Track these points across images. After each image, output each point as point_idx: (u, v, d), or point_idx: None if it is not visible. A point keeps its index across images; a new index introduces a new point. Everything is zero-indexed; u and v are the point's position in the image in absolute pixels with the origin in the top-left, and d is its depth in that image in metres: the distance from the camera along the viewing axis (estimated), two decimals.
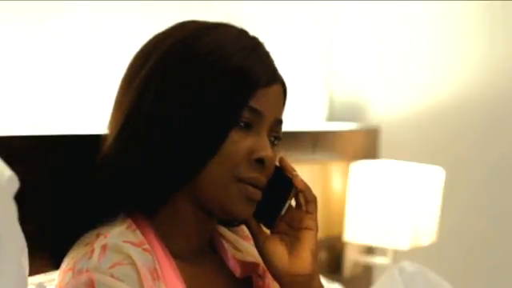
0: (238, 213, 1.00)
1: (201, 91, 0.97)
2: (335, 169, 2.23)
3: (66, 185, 1.08)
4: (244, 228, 1.11)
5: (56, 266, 1.01)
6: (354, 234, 2.22)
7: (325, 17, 2.43)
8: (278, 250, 1.03)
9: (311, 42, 2.37)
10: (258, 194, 1.00)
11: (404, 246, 2.14)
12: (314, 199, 1.05)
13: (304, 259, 1.01)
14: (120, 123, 0.99)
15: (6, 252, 0.79)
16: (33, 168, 1.04)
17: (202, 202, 1.00)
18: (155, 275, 0.94)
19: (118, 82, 1.04)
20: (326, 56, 2.45)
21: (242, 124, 0.98)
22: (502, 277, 2.31)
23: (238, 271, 1.09)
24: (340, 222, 2.25)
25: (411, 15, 2.42)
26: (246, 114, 0.98)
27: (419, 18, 2.41)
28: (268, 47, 1.04)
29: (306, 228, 1.03)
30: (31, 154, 1.05)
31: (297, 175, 1.04)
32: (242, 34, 1.03)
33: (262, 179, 1.00)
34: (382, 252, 2.33)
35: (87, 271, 0.91)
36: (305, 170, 1.29)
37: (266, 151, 0.99)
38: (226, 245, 1.11)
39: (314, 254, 1.02)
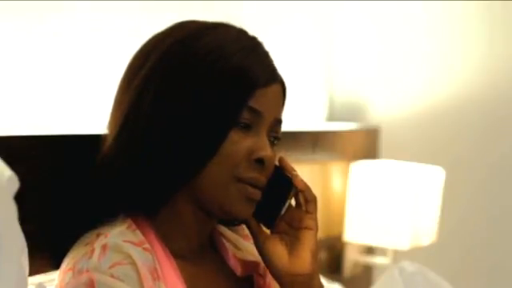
0: (237, 213, 1.00)
1: (200, 91, 0.97)
2: (335, 169, 2.23)
3: (65, 185, 1.08)
4: (244, 227, 1.11)
5: (56, 266, 1.01)
6: (354, 234, 2.22)
7: (325, 17, 2.43)
8: (278, 250, 1.03)
9: (311, 41, 2.37)
10: (257, 194, 1.00)
11: (404, 245, 2.14)
12: (314, 199, 1.05)
13: (304, 259, 1.01)
14: (119, 123, 0.99)
15: (6, 252, 0.79)
16: (33, 168, 1.04)
17: (202, 202, 1.00)
18: (155, 275, 0.94)
19: (117, 82, 1.04)
20: (326, 56, 2.45)
21: (242, 124, 0.98)
22: (502, 277, 2.31)
23: (238, 270, 1.09)
24: (340, 222, 2.25)
25: (411, 15, 2.42)
26: (246, 114, 0.98)
27: (419, 18, 2.41)
28: (268, 47, 1.04)
29: (305, 228, 1.03)
30: (31, 154, 1.05)
31: (296, 175, 1.04)
32: (241, 33, 1.02)
33: (262, 179, 1.00)
34: (382, 252, 2.33)
35: (87, 271, 0.91)
36: (305, 170, 1.29)
37: (266, 151, 0.99)
38: (227, 244, 1.11)
39: (314, 254, 1.02)
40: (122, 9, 1.53)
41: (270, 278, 1.09)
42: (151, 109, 0.97)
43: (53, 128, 1.34)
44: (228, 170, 0.97)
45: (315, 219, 1.04)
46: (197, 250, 1.04)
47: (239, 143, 0.98)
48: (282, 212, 1.04)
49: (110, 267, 0.91)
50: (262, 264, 1.08)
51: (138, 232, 0.97)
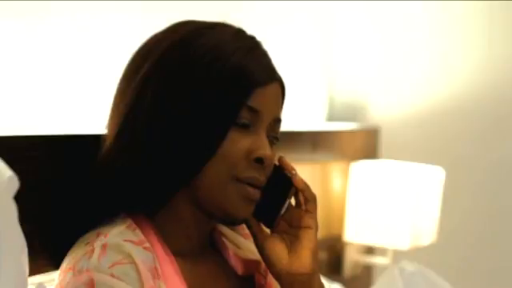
0: (236, 213, 1.00)
1: (199, 91, 0.96)
2: (335, 169, 2.23)
3: (65, 185, 1.08)
4: (244, 226, 1.12)
5: (56, 266, 1.01)
6: (354, 234, 2.22)
7: (325, 17, 2.43)
8: (278, 249, 1.03)
9: (311, 41, 2.37)
10: (256, 194, 1.00)
11: (404, 245, 2.14)
12: (314, 198, 1.05)
13: (304, 258, 1.02)
14: (119, 124, 0.99)
15: (6, 252, 0.80)
16: (33, 168, 1.04)
17: (201, 203, 1.00)
18: (155, 274, 0.94)
19: (116, 83, 1.04)
20: (326, 56, 2.45)
21: (241, 124, 0.98)
22: (502, 277, 2.31)
23: (239, 269, 1.09)
24: (340, 222, 2.25)
25: (411, 15, 2.42)
26: (244, 114, 0.98)
27: (419, 18, 2.41)
28: (268, 47, 1.04)
29: (305, 227, 1.03)
30: (31, 154, 1.05)
31: (296, 174, 1.04)
32: (239, 33, 1.02)
33: (261, 179, 1.00)
34: (382, 252, 2.33)
35: (87, 271, 0.91)
36: (305, 170, 1.29)
37: (265, 150, 0.99)
38: (227, 243, 1.11)
39: (314, 253, 1.02)
40: (121, 9, 1.53)
41: (270, 277, 1.09)
42: (150, 109, 0.97)
43: (53, 128, 1.35)
44: (227, 170, 0.97)
45: (315, 218, 1.04)
46: (197, 249, 1.04)
47: (238, 143, 0.98)
48: (282, 211, 1.04)
49: (110, 267, 0.91)
50: (263, 263, 1.08)
51: (138, 231, 0.97)
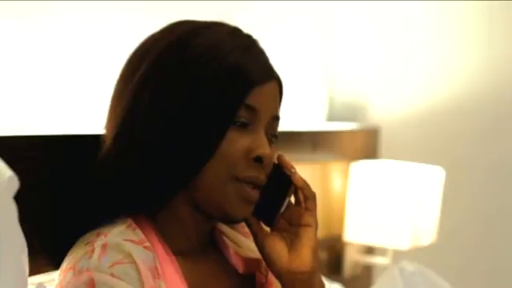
0: (235, 214, 1.00)
1: (196, 91, 0.96)
2: (335, 169, 2.23)
3: (65, 185, 1.08)
4: (244, 225, 1.12)
5: (56, 265, 1.01)
6: (354, 234, 2.22)
7: (325, 17, 2.43)
8: (278, 248, 1.03)
9: (311, 41, 2.37)
10: (255, 196, 1.00)
11: (404, 245, 2.14)
12: (313, 196, 1.05)
13: (304, 256, 1.01)
14: (117, 127, 0.99)
15: (6, 252, 0.79)
16: (33, 168, 1.04)
17: (200, 203, 1.00)
18: (156, 273, 0.94)
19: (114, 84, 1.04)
20: (326, 56, 2.45)
21: (239, 123, 0.98)
22: (502, 277, 2.31)
23: (240, 268, 1.09)
24: (340, 222, 2.25)
25: (411, 15, 2.42)
26: (243, 113, 0.98)
27: (419, 17, 2.41)
28: (268, 47, 1.04)
29: (305, 225, 1.03)
30: (31, 154, 1.05)
31: (295, 172, 1.04)
32: (235, 32, 1.02)
33: (261, 177, 1.00)
34: (382, 252, 2.33)
35: (87, 270, 0.91)
36: (305, 170, 1.29)
37: (264, 149, 0.99)
38: (228, 241, 1.11)
39: (314, 251, 1.02)
40: (121, 9, 1.53)
41: (271, 276, 1.09)
42: (148, 111, 0.97)
43: (52, 128, 1.34)
44: (226, 170, 0.97)
45: (315, 216, 1.04)
46: (197, 249, 1.04)
47: (237, 142, 0.98)
48: (282, 210, 1.04)
49: (111, 266, 0.91)
50: (264, 262, 1.08)
51: (138, 231, 0.97)
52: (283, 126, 1.06)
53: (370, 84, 2.47)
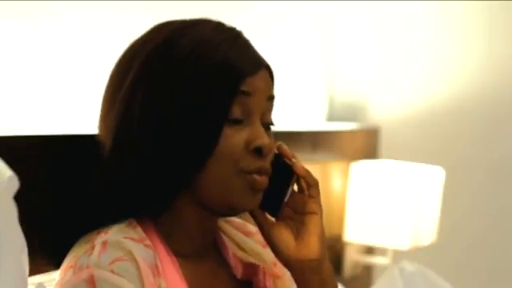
0: (244, 205, 0.99)
1: (187, 91, 0.96)
2: (335, 169, 2.23)
3: (65, 185, 1.08)
4: (246, 224, 1.11)
5: (56, 265, 1.01)
6: (354, 234, 2.22)
7: (325, 17, 2.43)
8: (285, 237, 1.02)
9: (311, 41, 2.37)
10: (264, 182, 0.99)
11: (404, 245, 2.14)
12: (316, 183, 1.05)
13: (311, 244, 1.01)
14: (112, 132, 0.98)
15: (6, 252, 0.79)
16: (33, 168, 1.04)
17: (205, 202, 0.99)
18: (156, 271, 0.94)
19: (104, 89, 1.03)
20: (326, 56, 2.45)
21: (233, 119, 0.98)
22: (502, 277, 2.31)
23: (239, 272, 1.09)
24: (340, 222, 2.25)
25: (411, 15, 2.42)
26: (236, 109, 0.97)
27: (419, 17, 2.41)
28: (268, 47, 1.04)
29: (310, 212, 1.03)
30: (31, 154, 1.05)
31: (296, 162, 1.04)
32: (219, 27, 1.02)
33: (267, 166, 1.00)
34: (382, 252, 2.33)
35: (87, 267, 0.91)
36: None
37: (262, 139, 0.98)
38: (229, 243, 1.11)
39: (321, 238, 1.02)
40: (121, 9, 1.53)
41: (270, 282, 1.09)
42: (142, 115, 0.96)
43: (52, 128, 1.34)
44: (230, 166, 0.97)
45: (319, 203, 1.04)
46: (199, 249, 1.04)
47: (235, 137, 0.97)
48: (286, 199, 1.04)
49: (110, 263, 0.91)
50: (262, 267, 1.08)
51: (138, 229, 0.97)
52: (283, 126, 1.06)
53: (370, 84, 2.47)
